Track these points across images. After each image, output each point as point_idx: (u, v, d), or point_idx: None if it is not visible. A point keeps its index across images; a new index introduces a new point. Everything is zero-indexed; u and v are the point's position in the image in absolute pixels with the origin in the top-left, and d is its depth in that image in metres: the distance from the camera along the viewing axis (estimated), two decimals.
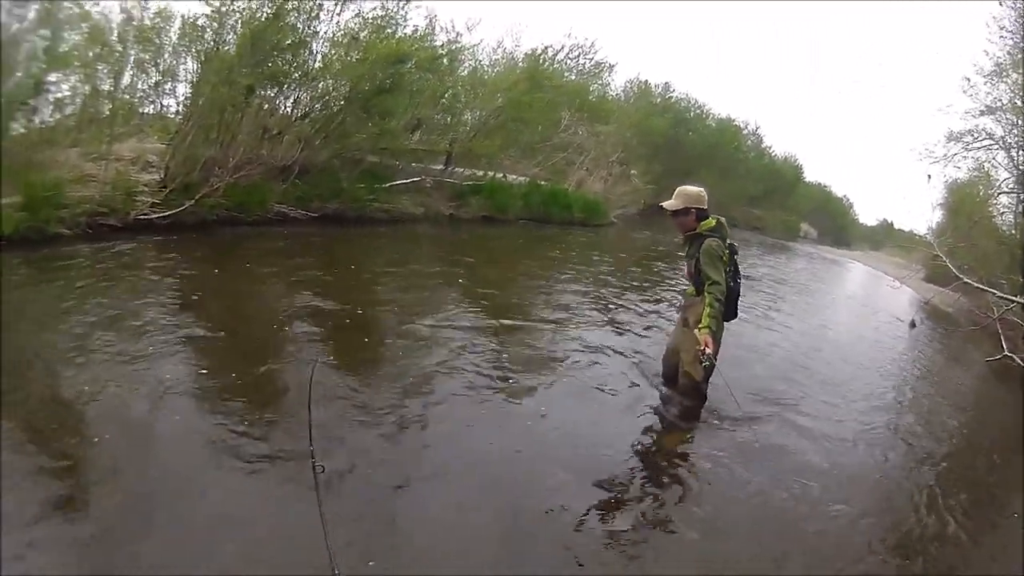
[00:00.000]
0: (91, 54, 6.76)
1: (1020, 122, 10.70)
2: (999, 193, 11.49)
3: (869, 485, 3.49)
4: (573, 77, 17.60)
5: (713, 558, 2.54)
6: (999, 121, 11.07)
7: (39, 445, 2.50)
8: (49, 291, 4.25)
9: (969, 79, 10.87)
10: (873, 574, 2.66)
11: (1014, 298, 8.41)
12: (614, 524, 2.64)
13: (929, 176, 15.43)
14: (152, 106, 8.22)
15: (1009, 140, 11.17)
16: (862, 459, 3.81)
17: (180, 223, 6.36)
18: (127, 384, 3.03)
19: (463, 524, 2.47)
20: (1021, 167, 11.07)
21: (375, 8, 8.76)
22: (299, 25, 7.63)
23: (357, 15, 8.50)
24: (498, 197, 11.94)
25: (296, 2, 7.48)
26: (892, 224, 41.24)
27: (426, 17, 10.17)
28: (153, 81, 8.08)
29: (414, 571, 2.16)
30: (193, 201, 6.51)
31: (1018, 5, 9.60)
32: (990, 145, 11.53)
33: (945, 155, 11.82)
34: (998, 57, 10.31)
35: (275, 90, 7.94)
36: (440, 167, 11.61)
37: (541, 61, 14.08)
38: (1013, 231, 10.63)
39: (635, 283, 8.42)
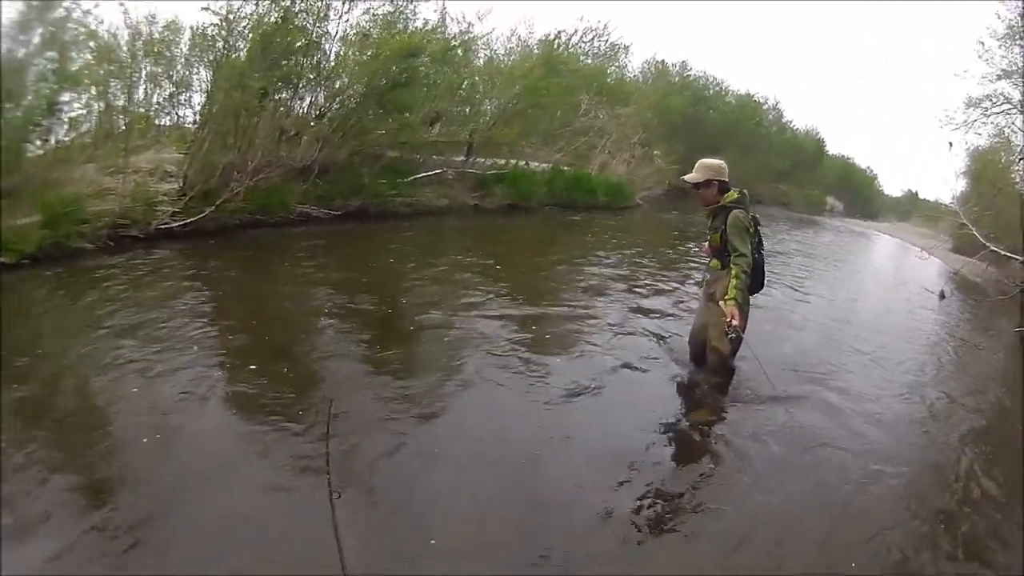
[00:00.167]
0: (102, 71, 6.76)
1: None
2: (1020, 159, 11.13)
3: (911, 462, 3.23)
4: (589, 61, 17.31)
5: (752, 539, 2.38)
6: (1016, 85, 10.62)
7: (66, 450, 2.50)
8: (76, 303, 4.28)
9: (983, 43, 10.49)
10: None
11: None
12: (645, 511, 2.48)
13: (951, 144, 14.58)
14: (168, 118, 8.24)
15: None
16: (901, 436, 3.55)
17: (201, 230, 6.25)
18: (153, 389, 2.99)
19: (488, 515, 2.34)
20: None
21: (384, 4, 8.70)
22: (308, 27, 7.54)
23: (366, 12, 8.43)
24: (521, 185, 11.68)
25: (304, 4, 7.38)
26: (917, 194, 39.94)
27: (436, 11, 10.16)
28: (168, 93, 8.11)
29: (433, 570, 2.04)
30: (214, 207, 6.39)
31: None
32: (1008, 110, 11.12)
33: (965, 121, 11.46)
34: (1010, 20, 9.97)
35: (290, 92, 7.83)
36: (461, 158, 11.38)
37: (556, 46, 13.77)
38: None
39: (665, 264, 8.13)
